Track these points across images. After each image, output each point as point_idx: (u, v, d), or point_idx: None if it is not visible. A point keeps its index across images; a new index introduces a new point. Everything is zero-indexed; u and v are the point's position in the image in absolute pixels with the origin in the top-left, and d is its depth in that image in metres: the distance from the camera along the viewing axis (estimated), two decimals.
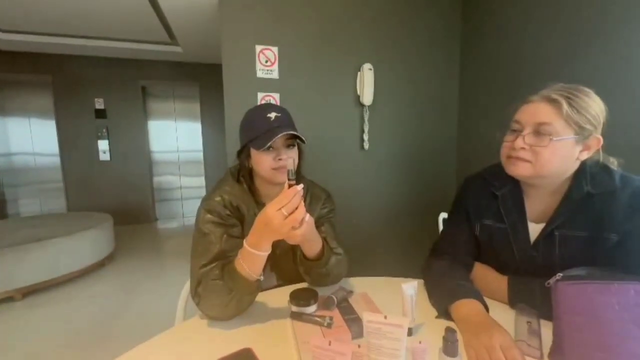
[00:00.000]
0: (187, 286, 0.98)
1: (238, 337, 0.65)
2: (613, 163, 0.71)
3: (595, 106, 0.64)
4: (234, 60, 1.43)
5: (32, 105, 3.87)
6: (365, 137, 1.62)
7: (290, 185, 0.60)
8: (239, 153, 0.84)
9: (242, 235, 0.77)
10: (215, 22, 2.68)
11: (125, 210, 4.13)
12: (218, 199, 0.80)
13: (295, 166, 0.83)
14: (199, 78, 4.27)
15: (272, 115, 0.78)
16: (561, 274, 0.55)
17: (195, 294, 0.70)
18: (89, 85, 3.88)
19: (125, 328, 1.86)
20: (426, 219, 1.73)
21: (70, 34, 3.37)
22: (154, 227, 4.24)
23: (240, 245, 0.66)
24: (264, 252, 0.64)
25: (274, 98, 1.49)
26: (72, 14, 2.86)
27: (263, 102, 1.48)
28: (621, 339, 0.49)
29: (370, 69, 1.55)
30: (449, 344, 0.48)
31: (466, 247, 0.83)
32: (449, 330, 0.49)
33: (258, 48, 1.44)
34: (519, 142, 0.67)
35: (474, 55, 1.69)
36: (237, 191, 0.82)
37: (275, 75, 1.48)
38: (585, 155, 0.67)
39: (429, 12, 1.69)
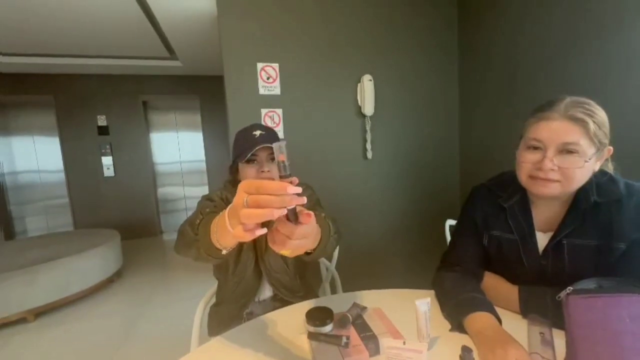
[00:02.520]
0: (200, 307, 1.00)
1: (250, 357, 0.66)
2: (610, 168, 0.73)
3: (606, 118, 0.66)
4: (236, 79, 1.46)
5: (36, 124, 3.93)
6: (368, 146, 1.64)
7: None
8: (231, 168, 0.95)
9: None
10: (212, 37, 2.72)
11: (131, 224, 4.16)
12: (217, 193, 0.92)
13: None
14: (199, 90, 4.33)
15: (257, 132, 0.86)
16: (571, 288, 0.57)
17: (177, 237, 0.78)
18: (91, 103, 3.94)
19: (138, 345, 1.88)
20: (432, 226, 1.75)
21: (71, 54, 3.42)
22: (160, 240, 4.26)
23: None
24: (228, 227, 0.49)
25: (277, 113, 1.52)
26: (72, 35, 2.91)
27: (267, 117, 1.50)
28: (634, 351, 0.50)
29: (370, 80, 1.57)
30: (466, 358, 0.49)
31: (476, 258, 0.84)
32: (465, 349, 0.50)
33: (259, 66, 1.47)
34: (548, 164, 0.66)
35: (472, 62, 1.71)
36: (232, 192, 0.92)
37: (277, 91, 1.51)
38: (598, 166, 0.68)
39: (426, 21, 1.71)
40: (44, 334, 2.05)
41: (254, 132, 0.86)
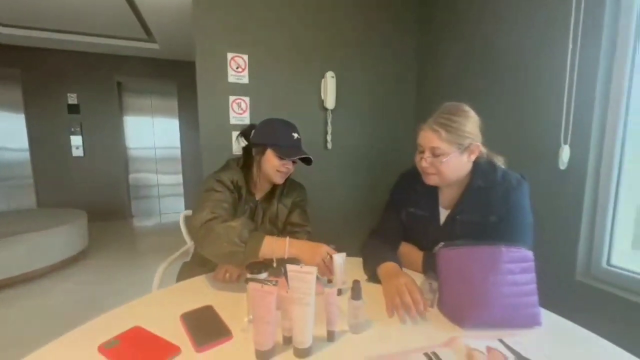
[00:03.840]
0: (164, 264, 1.13)
1: (202, 298, 0.80)
2: (500, 160, 0.93)
3: (469, 124, 0.85)
4: (207, 66, 1.56)
5: None
6: (329, 137, 1.80)
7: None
8: (252, 147, 1.04)
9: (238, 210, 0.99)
10: (190, 21, 2.76)
11: (100, 206, 4.10)
12: (227, 175, 0.99)
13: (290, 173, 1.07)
14: (177, 75, 4.28)
15: (295, 135, 1.03)
16: (443, 243, 0.75)
17: (204, 226, 0.83)
18: (61, 80, 3.82)
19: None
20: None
21: (40, 27, 3.31)
22: (130, 224, 4.23)
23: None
24: (285, 255, 0.83)
25: (245, 101, 1.63)
26: (43, 6, 2.83)
27: (235, 104, 1.62)
28: (482, 288, 0.69)
29: (333, 77, 1.73)
30: (354, 291, 0.66)
31: (394, 229, 1.02)
32: (355, 281, 0.67)
33: (229, 55, 1.58)
34: (423, 163, 0.88)
35: (429, 63, 1.90)
36: (239, 176, 1.03)
37: (245, 80, 1.62)
38: (472, 158, 0.87)
39: (388, 24, 1.88)
40: (5, 307, 2.06)
41: (293, 134, 1.03)
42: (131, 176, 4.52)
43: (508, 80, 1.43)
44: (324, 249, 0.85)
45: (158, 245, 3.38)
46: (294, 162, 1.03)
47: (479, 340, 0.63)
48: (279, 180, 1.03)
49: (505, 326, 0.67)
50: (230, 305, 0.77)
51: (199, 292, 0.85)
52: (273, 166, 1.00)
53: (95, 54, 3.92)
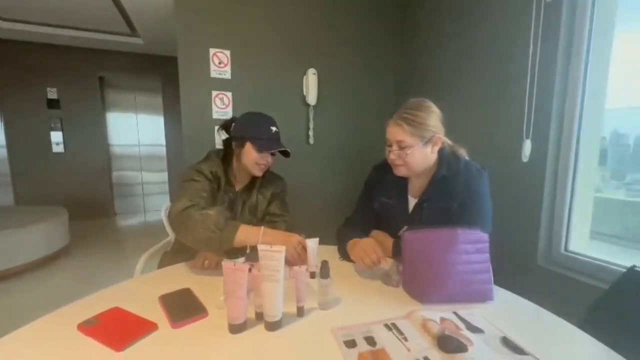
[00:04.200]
0: (148, 253, 1.15)
1: (181, 282, 0.83)
2: (462, 151, 1.00)
3: (431, 118, 0.91)
4: (189, 61, 1.58)
5: None
6: (311, 132, 1.85)
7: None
8: (231, 140, 1.07)
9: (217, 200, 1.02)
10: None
11: (82, 204, 4.01)
12: (206, 166, 1.04)
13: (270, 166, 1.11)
14: (161, 71, 4.22)
15: (273, 129, 1.06)
16: (406, 227, 0.81)
17: (182, 213, 0.87)
18: (41, 74, 3.72)
19: None
20: None
21: (18, 19, 3.21)
22: (113, 222, 4.16)
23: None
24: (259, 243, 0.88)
25: (227, 96, 1.66)
26: None
27: (217, 99, 1.64)
28: (439, 262, 0.75)
29: (314, 74, 1.78)
30: (323, 270, 0.71)
31: (366, 217, 1.09)
32: (324, 261, 0.72)
33: (212, 51, 1.60)
34: (392, 156, 0.95)
35: (407, 62, 1.98)
36: (219, 167, 1.06)
37: (228, 75, 1.65)
38: (436, 149, 0.94)
39: (370, 24, 1.94)
40: None
41: (271, 127, 1.05)
42: (114, 174, 4.43)
43: (478, 81, 1.51)
44: (296, 238, 0.90)
45: (143, 244, 3.27)
46: (272, 154, 1.08)
47: (435, 312, 0.69)
48: (258, 172, 1.07)
49: (460, 301, 0.74)
50: (207, 288, 0.81)
51: (178, 277, 0.89)
52: (252, 159, 1.04)
53: (76, 47, 3.82)
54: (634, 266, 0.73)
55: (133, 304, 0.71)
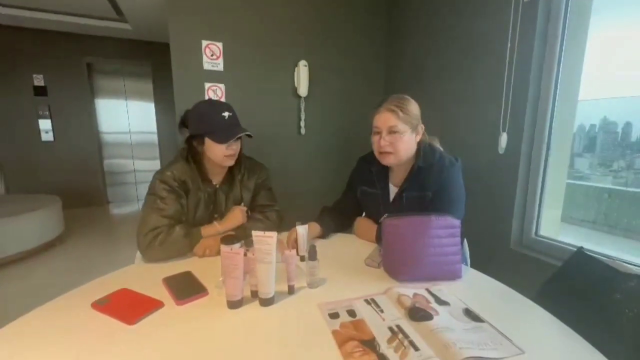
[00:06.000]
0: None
1: (182, 266, 0.91)
2: (436, 142, 1.08)
3: (414, 108, 1.00)
4: (182, 54, 1.60)
5: None
6: (302, 123, 1.91)
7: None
8: (191, 139, 1.01)
9: (187, 204, 1.03)
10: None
11: (74, 193, 4.01)
12: (169, 173, 1.00)
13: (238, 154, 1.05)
14: (151, 56, 4.14)
15: (226, 114, 0.97)
16: (387, 214, 0.90)
17: (149, 237, 0.92)
18: (26, 60, 3.63)
19: None
20: None
21: (1, 3, 3.11)
22: (106, 211, 4.18)
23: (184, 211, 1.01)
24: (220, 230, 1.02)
25: (220, 88, 1.70)
26: None
27: (210, 91, 1.68)
28: (413, 245, 0.84)
29: (305, 66, 1.81)
30: (311, 253, 0.80)
31: (348, 204, 1.19)
32: (312, 245, 0.81)
33: (204, 43, 1.62)
34: (382, 142, 0.99)
35: (397, 53, 2.02)
36: (185, 169, 1.02)
37: (220, 67, 1.68)
38: (417, 139, 1.02)
39: (359, 16, 1.97)
40: None
41: (223, 114, 0.96)
42: (106, 162, 4.40)
43: (459, 76, 1.58)
44: (237, 208, 1.05)
45: (135, 231, 3.38)
46: (238, 139, 1.01)
47: (409, 289, 0.79)
48: (229, 162, 1.03)
49: (432, 279, 0.84)
50: (207, 271, 0.88)
51: (179, 262, 0.96)
52: (217, 153, 0.98)
53: (62, 32, 3.72)
54: (582, 247, 0.83)
55: (139, 285, 0.79)
